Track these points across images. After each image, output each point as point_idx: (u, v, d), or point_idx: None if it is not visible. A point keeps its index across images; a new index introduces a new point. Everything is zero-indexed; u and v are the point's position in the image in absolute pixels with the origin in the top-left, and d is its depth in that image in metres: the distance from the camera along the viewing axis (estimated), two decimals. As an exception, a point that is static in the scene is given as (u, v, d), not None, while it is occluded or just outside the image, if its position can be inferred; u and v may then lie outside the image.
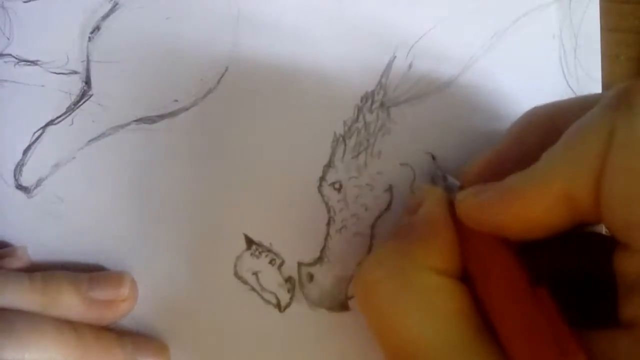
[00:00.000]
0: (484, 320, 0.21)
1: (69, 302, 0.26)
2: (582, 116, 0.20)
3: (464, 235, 0.22)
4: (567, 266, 0.22)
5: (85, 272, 0.27)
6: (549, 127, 0.23)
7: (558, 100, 0.25)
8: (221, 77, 0.28)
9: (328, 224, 0.28)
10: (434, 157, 0.28)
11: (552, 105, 0.24)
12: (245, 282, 0.28)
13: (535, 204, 0.20)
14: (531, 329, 0.20)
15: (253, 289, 0.28)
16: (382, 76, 0.28)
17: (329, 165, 0.28)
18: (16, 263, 0.27)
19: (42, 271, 0.26)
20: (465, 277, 0.22)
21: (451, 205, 0.23)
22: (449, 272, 0.22)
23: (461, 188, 0.24)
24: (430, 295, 0.21)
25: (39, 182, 0.28)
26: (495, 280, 0.21)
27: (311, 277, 0.28)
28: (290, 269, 0.28)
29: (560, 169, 0.20)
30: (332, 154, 0.28)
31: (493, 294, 0.21)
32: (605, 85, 0.29)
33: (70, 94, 0.28)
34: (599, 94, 0.24)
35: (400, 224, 0.24)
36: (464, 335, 0.20)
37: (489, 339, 0.20)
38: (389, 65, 0.28)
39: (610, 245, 0.20)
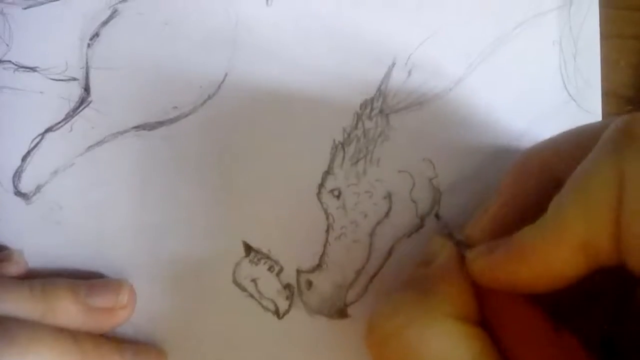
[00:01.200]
0: None
1: (67, 309, 0.26)
2: (579, 156, 0.20)
3: (479, 289, 0.22)
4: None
5: (84, 279, 0.27)
6: (545, 171, 0.23)
7: (549, 139, 0.24)
8: (220, 84, 0.28)
9: (327, 231, 0.28)
10: (438, 217, 0.27)
11: (545, 147, 0.24)
12: (243, 289, 0.28)
13: (551, 258, 0.20)
14: None
15: (252, 295, 0.28)
16: (381, 83, 0.28)
17: (328, 172, 0.28)
18: (13, 268, 0.27)
19: (41, 278, 0.26)
20: (483, 323, 0.22)
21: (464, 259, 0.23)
22: (467, 318, 0.21)
23: (469, 246, 0.24)
24: (450, 343, 0.21)
25: (37, 189, 0.28)
26: (517, 332, 0.21)
27: (310, 284, 0.28)
28: (289, 275, 0.28)
29: (573, 220, 0.19)
30: (331, 161, 0.28)
31: (516, 345, 0.21)
32: (605, 92, 0.29)
33: (69, 100, 0.28)
34: (592, 127, 0.23)
35: (415, 275, 0.24)
36: None
37: None
38: (388, 73, 0.28)
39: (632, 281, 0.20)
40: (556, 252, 0.19)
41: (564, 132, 0.24)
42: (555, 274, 0.20)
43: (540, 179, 0.23)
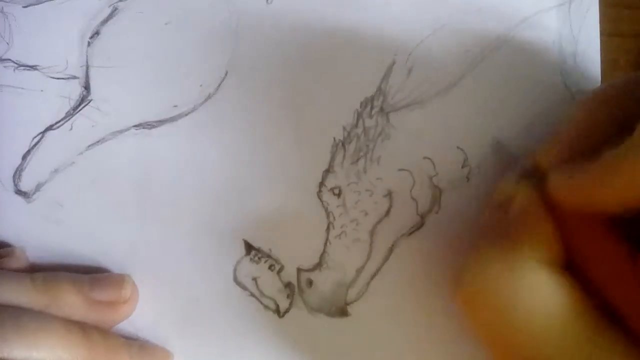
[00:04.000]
0: (597, 305, 0.21)
1: (70, 302, 0.26)
2: None
3: (560, 221, 0.22)
4: None
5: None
6: (619, 103, 0.23)
7: (619, 78, 0.25)
8: (221, 83, 0.28)
9: (327, 229, 0.28)
10: (499, 143, 0.27)
11: (618, 83, 0.24)
12: (244, 288, 0.28)
13: (638, 176, 0.20)
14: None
15: (252, 294, 0.28)
16: (381, 81, 0.28)
17: (328, 170, 0.28)
18: (14, 263, 0.27)
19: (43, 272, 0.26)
20: (568, 265, 0.22)
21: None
22: (557, 263, 0.22)
23: (539, 170, 0.24)
24: (547, 291, 0.21)
25: (38, 187, 0.28)
26: (602, 260, 0.21)
27: (310, 282, 0.28)
28: (290, 274, 0.28)
29: None
30: (332, 160, 0.28)
31: (601, 274, 0.21)
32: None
33: (69, 99, 0.28)
34: None
35: (495, 223, 0.24)
36: (585, 326, 0.20)
37: (606, 323, 0.20)
38: (388, 71, 0.28)
39: None
40: None
41: (637, 72, 0.24)
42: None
43: (614, 111, 0.23)
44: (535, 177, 0.24)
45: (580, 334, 0.20)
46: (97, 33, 0.29)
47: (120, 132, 0.28)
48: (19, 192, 0.28)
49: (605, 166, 0.21)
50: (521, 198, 0.23)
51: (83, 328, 0.25)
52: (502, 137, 0.28)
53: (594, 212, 0.21)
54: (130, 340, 0.27)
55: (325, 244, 0.28)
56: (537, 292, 0.21)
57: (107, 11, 0.29)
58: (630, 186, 0.20)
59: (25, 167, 0.28)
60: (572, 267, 0.22)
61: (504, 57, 0.28)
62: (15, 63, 0.29)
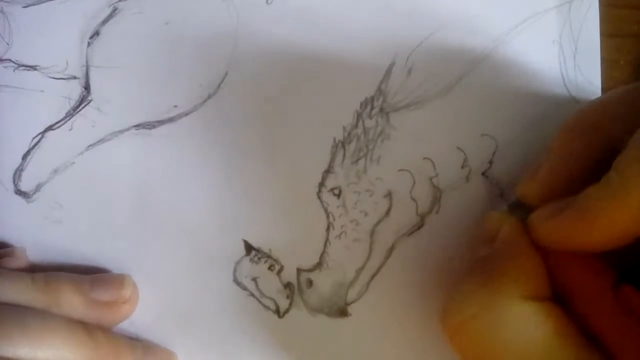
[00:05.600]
0: (583, 334, 0.21)
1: (70, 302, 0.26)
2: (630, 114, 0.21)
3: (544, 254, 0.22)
4: None
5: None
6: (596, 131, 0.23)
7: (596, 100, 0.25)
8: (221, 83, 0.28)
9: (327, 229, 0.28)
10: (486, 175, 0.27)
11: (594, 108, 0.24)
12: (244, 288, 0.28)
13: (620, 219, 0.20)
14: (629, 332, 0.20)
15: (252, 294, 0.28)
16: (381, 82, 0.28)
17: (328, 170, 0.28)
18: (15, 263, 0.27)
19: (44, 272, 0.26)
20: (554, 296, 0.22)
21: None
22: (543, 295, 0.22)
23: (523, 203, 0.24)
24: (529, 324, 0.21)
25: (38, 187, 0.28)
26: (584, 292, 0.21)
27: (310, 282, 0.28)
28: (290, 274, 0.28)
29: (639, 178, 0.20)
30: (332, 160, 0.28)
31: (584, 305, 0.21)
32: (605, 91, 0.29)
33: (69, 99, 0.28)
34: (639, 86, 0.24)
35: (479, 256, 0.24)
36: (572, 357, 0.20)
37: (594, 353, 0.20)
38: (388, 71, 0.28)
39: None
40: (623, 211, 0.20)
41: (611, 92, 0.24)
42: (623, 232, 0.20)
43: (591, 139, 0.23)
44: (521, 210, 0.24)
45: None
46: (97, 33, 0.29)
47: (121, 132, 0.28)
48: (19, 192, 0.28)
49: (582, 209, 0.21)
50: (506, 231, 0.24)
51: (87, 328, 0.25)
52: (501, 141, 0.28)
53: (576, 251, 0.22)
54: (134, 341, 0.27)
55: (325, 244, 0.28)
56: (517, 324, 0.21)
57: (107, 11, 0.29)
58: (608, 229, 0.20)
59: (25, 167, 0.28)
60: (559, 298, 0.22)
61: (504, 57, 0.28)
62: (15, 63, 0.29)
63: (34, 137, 0.28)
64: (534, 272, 0.22)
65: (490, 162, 0.28)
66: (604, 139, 0.22)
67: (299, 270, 0.28)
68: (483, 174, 0.27)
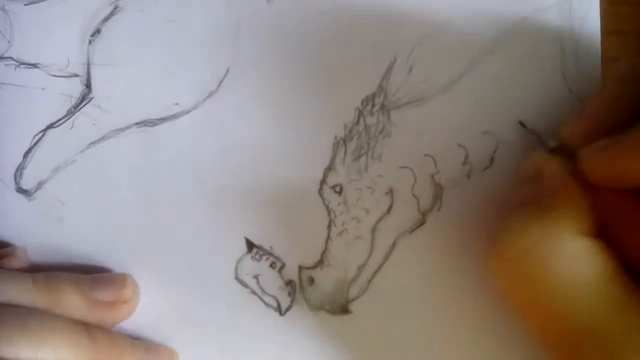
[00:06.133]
0: (629, 273, 0.21)
1: (71, 302, 0.26)
2: None
3: (591, 194, 0.22)
4: None
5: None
6: None
7: None
8: (222, 80, 0.28)
9: (329, 227, 0.28)
10: (523, 124, 0.27)
11: None
12: (245, 286, 0.28)
13: None
14: None
15: (254, 292, 0.28)
16: (382, 79, 0.28)
17: (329, 168, 0.28)
18: (15, 262, 0.27)
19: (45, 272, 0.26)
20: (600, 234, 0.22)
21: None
22: (589, 232, 0.22)
23: (566, 147, 0.24)
24: (582, 259, 0.21)
25: (39, 185, 0.28)
26: (633, 231, 0.22)
27: (312, 280, 0.28)
28: (291, 272, 0.28)
29: None
30: (333, 157, 0.28)
31: (633, 245, 0.21)
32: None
33: (70, 97, 0.28)
34: None
35: (527, 193, 0.24)
36: (618, 292, 0.21)
37: (638, 291, 0.21)
38: (389, 68, 0.28)
39: None
40: None
41: None
42: None
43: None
44: (563, 154, 0.24)
45: (614, 300, 0.21)
46: (98, 31, 0.29)
47: (122, 130, 0.28)
48: (20, 190, 0.28)
49: (634, 142, 0.21)
50: (552, 169, 0.23)
51: (88, 328, 0.25)
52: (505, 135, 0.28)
53: (626, 187, 0.22)
54: (136, 341, 0.27)
55: (327, 241, 0.28)
56: (571, 259, 0.21)
57: (109, 9, 0.29)
58: None
59: (26, 165, 0.28)
60: (603, 238, 0.22)
61: (505, 54, 0.28)
62: (17, 61, 0.29)
63: (35, 135, 0.28)
64: (581, 209, 0.22)
65: (492, 159, 0.28)
66: None
67: (300, 268, 0.28)
68: (520, 122, 0.27)
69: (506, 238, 0.22)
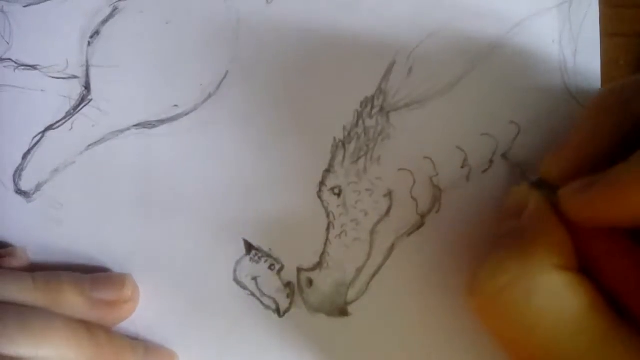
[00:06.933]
0: (610, 306, 0.21)
1: (71, 301, 0.26)
2: None
3: (572, 230, 0.22)
4: None
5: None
6: (624, 108, 0.23)
7: (625, 79, 0.25)
8: (221, 82, 0.28)
9: (327, 229, 0.28)
10: (506, 157, 0.27)
11: (624, 85, 0.24)
12: (244, 287, 0.28)
13: None
14: None
15: (252, 294, 0.28)
16: (381, 81, 0.28)
17: (328, 170, 0.28)
18: (15, 263, 0.27)
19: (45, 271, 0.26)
20: (582, 269, 0.22)
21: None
22: (572, 266, 0.22)
23: (547, 181, 0.24)
24: (563, 293, 0.21)
25: (38, 187, 0.28)
26: (615, 267, 0.21)
27: (310, 282, 0.28)
28: (290, 274, 0.28)
29: None
30: (332, 159, 0.28)
31: (615, 281, 0.21)
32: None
33: (69, 98, 0.29)
34: None
35: (507, 230, 0.24)
36: (602, 328, 0.21)
37: (620, 323, 0.21)
38: (388, 70, 0.28)
39: None
40: None
41: (636, 76, 0.24)
42: None
43: (618, 117, 0.23)
44: (545, 187, 0.24)
45: (596, 333, 0.20)
46: (97, 32, 0.29)
47: (121, 131, 0.28)
48: (19, 191, 0.28)
49: (613, 184, 0.21)
50: (534, 204, 0.23)
51: (88, 327, 0.25)
52: (503, 142, 0.28)
53: (607, 226, 0.22)
54: (135, 341, 0.27)
55: (326, 243, 0.28)
56: (552, 294, 0.21)
57: (108, 11, 0.29)
58: (639, 204, 0.20)
59: (25, 167, 0.28)
60: (586, 272, 0.22)
61: (504, 57, 0.28)
62: (16, 63, 0.29)
63: (35, 137, 0.28)
64: (564, 244, 0.22)
65: (491, 162, 0.28)
66: (631, 117, 0.22)
67: (299, 270, 0.28)
68: (503, 155, 0.27)
69: (486, 274, 0.22)
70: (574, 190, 0.22)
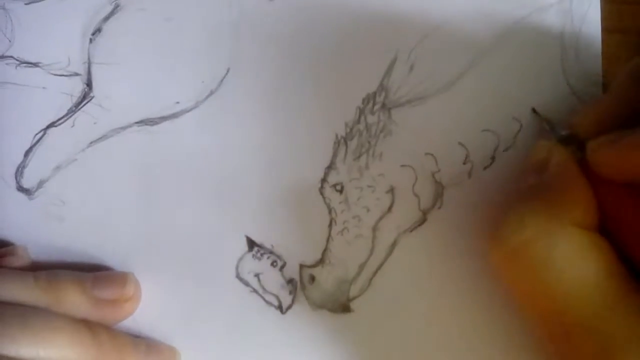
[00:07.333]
0: (629, 273, 0.21)
1: (73, 300, 0.26)
2: None
3: (596, 187, 0.22)
4: None
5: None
6: None
7: None
8: (222, 79, 0.28)
9: (329, 225, 0.28)
10: (535, 111, 0.27)
11: None
12: (246, 284, 0.28)
13: None
14: None
15: (255, 290, 0.28)
16: (383, 78, 0.28)
17: (330, 166, 0.28)
18: (16, 262, 0.27)
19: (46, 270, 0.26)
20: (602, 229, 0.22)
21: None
22: (592, 226, 0.22)
23: (576, 137, 0.24)
24: (584, 253, 0.21)
25: (40, 184, 0.28)
26: (636, 226, 0.22)
27: (313, 278, 0.28)
28: (292, 270, 0.28)
29: None
30: (334, 156, 0.28)
31: (635, 240, 0.21)
32: (606, 87, 0.29)
33: (71, 95, 0.29)
34: None
35: (531, 184, 0.24)
36: (618, 287, 0.21)
37: (638, 290, 0.21)
38: (390, 67, 0.28)
39: None
40: None
41: None
42: None
43: None
44: (572, 143, 0.24)
45: (612, 296, 0.21)
46: (99, 30, 0.29)
47: (122, 128, 0.28)
48: (21, 189, 0.28)
49: None
50: (558, 160, 0.23)
51: (90, 326, 0.25)
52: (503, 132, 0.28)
53: (633, 180, 0.22)
54: (138, 339, 0.27)
55: (328, 240, 0.28)
56: (573, 253, 0.21)
57: (109, 8, 0.29)
58: None
59: (27, 164, 0.28)
60: (605, 231, 0.22)
61: (506, 53, 0.28)
62: (17, 60, 0.29)
63: (36, 134, 0.28)
64: (587, 202, 0.22)
65: (493, 158, 0.28)
66: None
67: (301, 266, 0.28)
68: (533, 109, 0.27)
69: (510, 228, 0.22)
70: (603, 143, 0.22)
